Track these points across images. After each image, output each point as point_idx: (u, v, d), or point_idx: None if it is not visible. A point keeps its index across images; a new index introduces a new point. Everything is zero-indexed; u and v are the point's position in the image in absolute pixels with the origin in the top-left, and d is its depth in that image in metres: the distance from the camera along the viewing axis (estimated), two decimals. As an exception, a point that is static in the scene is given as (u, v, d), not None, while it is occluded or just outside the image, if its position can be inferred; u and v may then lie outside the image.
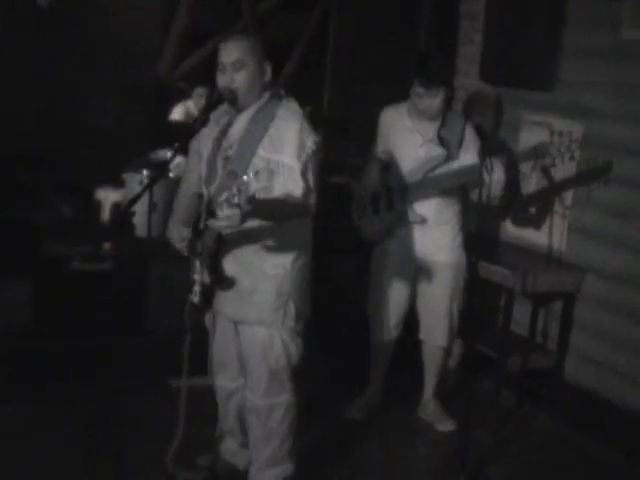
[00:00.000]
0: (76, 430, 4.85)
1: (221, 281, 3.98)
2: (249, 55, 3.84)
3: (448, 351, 5.49)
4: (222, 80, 3.87)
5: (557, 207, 5.82)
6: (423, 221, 5.14)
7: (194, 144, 4.20)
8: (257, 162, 3.85)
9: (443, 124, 5.11)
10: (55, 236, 6.10)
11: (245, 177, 3.49)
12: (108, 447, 3.85)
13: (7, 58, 6.70)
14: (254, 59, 3.86)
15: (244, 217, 3.47)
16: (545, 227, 5.83)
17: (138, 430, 4.60)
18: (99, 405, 4.94)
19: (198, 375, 4.21)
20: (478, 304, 5.54)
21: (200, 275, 3.96)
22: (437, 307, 5.27)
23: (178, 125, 7.13)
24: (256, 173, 3.83)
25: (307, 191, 3.81)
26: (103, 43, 7.07)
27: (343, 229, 5.61)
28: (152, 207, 5.75)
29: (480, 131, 5.18)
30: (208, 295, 4.02)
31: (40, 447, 4.70)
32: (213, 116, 3.96)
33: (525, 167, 5.84)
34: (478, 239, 5.05)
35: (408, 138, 5.17)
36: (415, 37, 7.00)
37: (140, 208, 5.89)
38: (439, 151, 5.10)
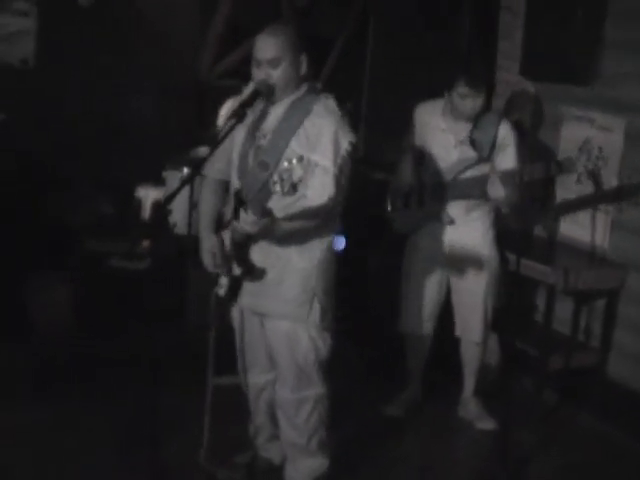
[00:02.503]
0: (114, 428, 4.89)
1: (251, 272, 3.94)
2: (285, 50, 3.79)
3: (484, 347, 5.45)
4: (258, 75, 3.85)
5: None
6: (452, 222, 5.15)
7: (223, 128, 4.10)
8: (290, 155, 3.82)
9: (476, 125, 5.08)
10: (95, 234, 6.19)
11: (286, 164, 3.50)
12: (146, 446, 3.86)
13: (48, 56, 6.78)
14: (290, 54, 3.81)
15: (260, 229, 3.57)
16: (587, 223, 5.77)
17: (178, 429, 4.62)
18: (137, 403, 4.95)
19: (230, 372, 4.24)
20: (519, 302, 5.51)
21: (228, 266, 3.98)
22: (471, 302, 5.26)
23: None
24: (288, 167, 3.81)
25: (335, 195, 3.78)
26: (143, 40, 7.12)
27: (381, 224, 5.60)
28: (192, 205, 5.74)
29: (519, 127, 5.14)
30: (235, 288, 4.02)
31: (76, 445, 4.74)
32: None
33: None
34: (519, 236, 5.00)
35: (441, 139, 5.16)
36: (456, 32, 6.94)
37: (180, 206, 5.91)
38: (472, 153, 5.08)
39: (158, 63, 7.23)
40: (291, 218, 3.72)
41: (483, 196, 5.05)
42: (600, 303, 5.77)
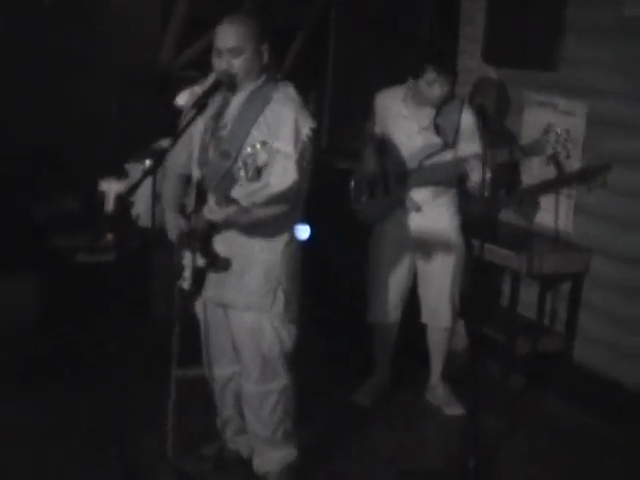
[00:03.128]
0: (81, 421, 4.89)
1: (215, 263, 3.92)
2: (247, 40, 3.79)
3: (452, 333, 5.47)
4: (219, 65, 3.85)
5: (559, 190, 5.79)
6: (418, 209, 5.17)
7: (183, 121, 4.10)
8: (251, 142, 3.82)
9: (439, 111, 5.08)
10: (59, 229, 6.16)
11: (249, 149, 3.49)
12: (113, 440, 3.84)
13: (8, 50, 6.72)
14: (252, 43, 3.81)
15: (225, 217, 3.62)
16: (551, 208, 5.79)
17: (145, 423, 4.60)
18: (102, 398, 4.93)
19: (195, 364, 4.25)
20: (484, 287, 5.53)
21: (190, 259, 3.94)
22: (438, 288, 5.28)
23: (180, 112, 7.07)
24: (249, 154, 3.82)
25: (298, 180, 3.80)
26: (104, 33, 7.08)
27: (345, 214, 5.60)
28: (155, 197, 5.71)
29: (482, 112, 5.15)
30: (199, 280, 4.00)
31: (44, 441, 4.73)
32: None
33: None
34: (483, 221, 5.03)
35: (404, 125, 5.16)
36: (417, 19, 6.96)
37: (143, 198, 5.89)
38: (436, 139, 5.09)
39: (119, 54, 7.19)
40: (255, 205, 3.72)
41: (449, 182, 5.10)
42: (565, 287, 5.81)
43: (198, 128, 3.98)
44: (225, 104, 3.94)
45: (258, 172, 3.84)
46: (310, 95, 4.06)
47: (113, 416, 3.83)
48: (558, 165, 5.71)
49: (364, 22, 7.36)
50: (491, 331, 5.66)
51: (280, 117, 3.82)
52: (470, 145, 5.03)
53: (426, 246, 5.21)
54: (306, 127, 3.83)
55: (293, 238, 4.04)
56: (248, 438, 4.40)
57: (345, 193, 5.45)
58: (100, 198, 6.61)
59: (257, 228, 3.88)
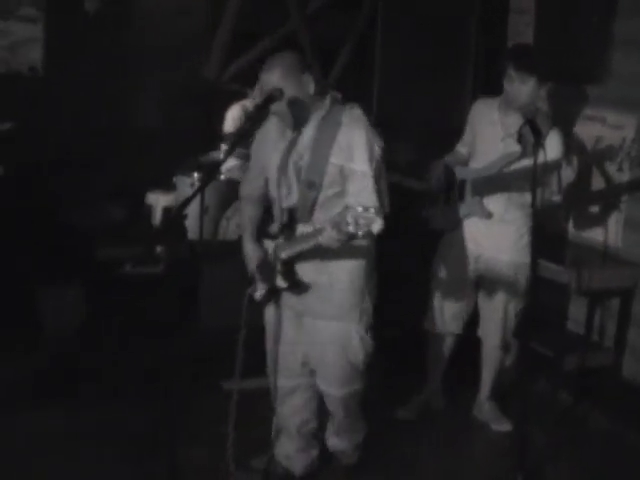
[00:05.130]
0: (130, 432, 4.92)
1: (297, 286, 4.13)
2: (283, 80, 3.92)
3: (505, 352, 5.46)
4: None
5: (615, 201, 5.78)
6: (488, 216, 5.15)
7: (255, 148, 4.38)
8: (331, 170, 3.99)
9: (526, 122, 4.85)
10: (107, 241, 6.24)
11: (360, 209, 3.55)
12: (162, 449, 3.90)
13: (57, 63, 6.82)
14: (291, 81, 3.94)
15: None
16: (600, 222, 5.80)
17: (192, 433, 4.65)
18: (152, 408, 4.99)
19: (251, 376, 4.30)
20: (533, 302, 5.52)
21: (270, 274, 4.15)
22: (492, 305, 5.28)
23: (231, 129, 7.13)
24: (331, 181, 3.99)
25: (381, 197, 3.97)
26: (152, 45, 7.16)
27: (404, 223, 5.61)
28: (203, 210, 5.81)
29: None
30: (273, 294, 4.21)
31: (91, 451, 4.76)
32: (274, 126, 4.16)
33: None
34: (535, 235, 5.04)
35: (491, 131, 5.16)
36: (464, 34, 6.99)
37: (192, 211, 5.98)
38: (515, 147, 5.01)
39: (166, 66, 7.27)
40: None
41: (523, 190, 4.99)
42: (614, 302, 5.79)
43: (272, 157, 4.17)
44: (295, 136, 4.09)
45: (340, 196, 4.03)
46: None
47: (162, 427, 3.88)
48: (607, 177, 5.72)
49: (411, 34, 7.35)
50: (540, 347, 5.65)
51: (353, 139, 3.96)
52: (555, 156, 4.92)
53: (488, 261, 5.21)
54: (377, 146, 3.99)
55: (372, 248, 4.20)
56: (304, 455, 4.57)
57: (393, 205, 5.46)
58: (147, 211, 6.69)
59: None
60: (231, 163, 6.64)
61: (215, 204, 6.66)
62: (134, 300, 5.97)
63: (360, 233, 3.53)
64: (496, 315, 5.29)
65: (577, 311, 5.92)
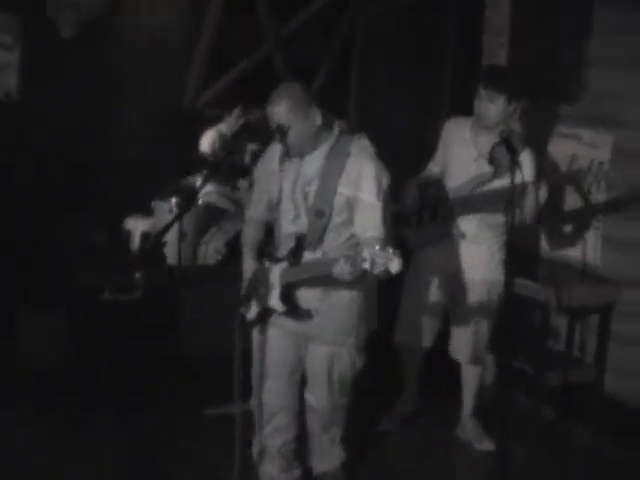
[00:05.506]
0: (111, 462, 4.86)
1: (294, 311, 4.18)
2: (291, 115, 4.03)
3: (482, 369, 5.49)
4: (277, 137, 4.13)
5: (589, 220, 5.83)
6: (462, 236, 5.19)
7: (258, 174, 4.47)
8: (339, 200, 4.09)
9: (499, 142, 4.86)
10: (86, 267, 6.28)
11: (377, 247, 3.59)
12: (147, 475, 3.90)
13: (34, 92, 6.82)
14: (298, 116, 4.05)
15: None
16: (579, 240, 5.84)
17: (174, 459, 4.66)
18: (134, 435, 5.01)
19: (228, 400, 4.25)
20: (513, 320, 5.54)
21: (265, 296, 4.20)
22: (463, 323, 5.30)
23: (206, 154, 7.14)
24: (339, 210, 4.09)
25: (387, 227, 4.06)
26: (128, 70, 7.17)
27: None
28: (182, 236, 5.81)
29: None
30: (265, 314, 4.25)
31: (78, 474, 4.74)
32: (275, 148, 4.26)
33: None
34: (511, 254, 5.06)
35: (464, 151, 5.19)
36: (440, 55, 7.03)
37: (170, 237, 5.97)
38: (487, 168, 5.07)
39: (144, 93, 7.27)
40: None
41: (495, 211, 5.08)
42: (594, 319, 5.83)
43: (275, 182, 4.28)
44: (301, 161, 4.19)
45: (347, 224, 4.13)
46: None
47: (147, 451, 3.88)
48: (584, 196, 5.76)
49: (387, 54, 7.39)
50: (521, 363, 5.70)
51: (361, 170, 4.09)
52: (527, 176, 4.86)
53: (460, 280, 5.24)
54: (385, 177, 4.11)
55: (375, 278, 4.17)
56: (287, 476, 4.57)
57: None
58: (126, 236, 6.69)
59: None
60: (208, 188, 6.65)
61: (193, 229, 6.62)
62: (113, 326, 5.97)
63: (376, 271, 3.57)
64: (467, 331, 5.29)
65: (557, 328, 5.93)
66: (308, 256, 4.15)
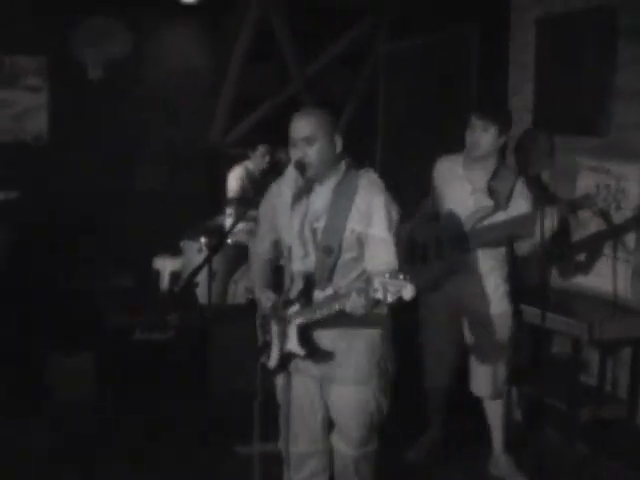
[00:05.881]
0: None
1: (314, 354, 4.07)
2: (319, 130, 3.96)
3: (505, 403, 5.44)
4: (295, 154, 4.02)
5: (620, 252, 5.79)
6: (466, 270, 5.19)
7: (264, 210, 4.36)
8: (348, 235, 4.00)
9: (494, 175, 5.12)
10: (115, 307, 6.28)
11: (387, 275, 3.52)
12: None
13: (61, 132, 6.89)
14: (325, 134, 3.98)
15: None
16: (608, 273, 5.80)
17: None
18: (166, 474, 5.02)
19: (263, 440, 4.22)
20: (543, 354, 5.54)
21: (279, 340, 4.10)
22: (479, 358, 5.29)
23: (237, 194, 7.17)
24: (349, 246, 4.00)
25: (400, 260, 3.95)
26: (154, 110, 7.24)
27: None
28: (212, 275, 5.82)
29: (539, 182, 5.18)
30: (286, 361, 4.14)
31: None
32: (284, 184, 4.19)
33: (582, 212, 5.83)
34: (538, 288, 5.05)
35: (459, 187, 5.22)
36: (466, 91, 7.05)
37: (200, 276, 5.99)
38: (488, 202, 5.12)
39: (169, 132, 7.34)
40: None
41: (498, 245, 5.13)
42: (626, 353, 5.79)
43: (283, 216, 4.19)
44: (309, 195, 4.12)
45: (357, 261, 4.06)
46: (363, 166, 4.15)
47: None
48: (607, 218, 5.75)
49: (413, 91, 7.42)
50: (552, 399, 5.67)
51: (371, 203, 3.98)
52: (522, 205, 5.06)
53: (471, 315, 5.27)
54: (394, 210, 4.01)
55: (389, 315, 4.16)
56: None
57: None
58: (155, 276, 6.72)
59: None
60: (239, 227, 6.64)
61: (223, 268, 6.70)
62: (144, 366, 5.99)
63: (390, 299, 3.48)
64: (484, 365, 5.28)
65: (589, 362, 5.91)
66: (318, 295, 4.06)
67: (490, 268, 5.21)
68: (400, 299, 3.47)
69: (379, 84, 7.78)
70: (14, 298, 6.18)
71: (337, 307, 3.78)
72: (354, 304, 3.65)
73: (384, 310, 4.01)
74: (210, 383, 5.95)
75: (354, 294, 3.62)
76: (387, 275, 3.48)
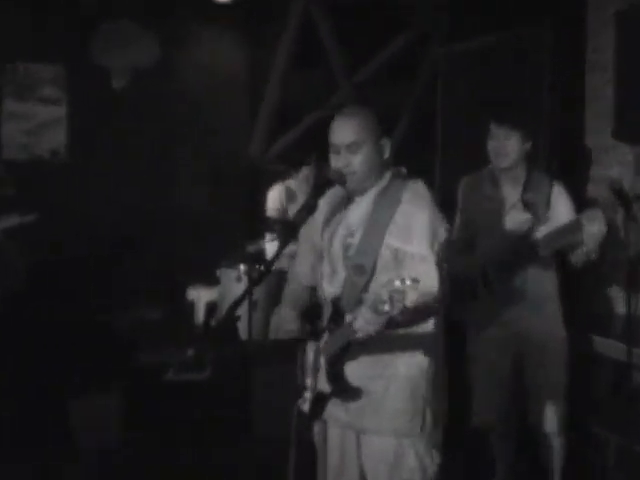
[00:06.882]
0: None
1: (344, 392, 3.71)
2: (365, 134, 3.67)
3: (566, 437, 5.12)
4: (336, 163, 3.72)
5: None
6: (515, 298, 4.91)
7: (304, 232, 3.96)
8: (384, 253, 3.65)
9: (527, 186, 4.89)
10: (145, 343, 6.21)
11: (397, 283, 3.16)
12: None
13: (81, 146, 6.66)
14: (371, 138, 3.67)
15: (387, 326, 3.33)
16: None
17: None
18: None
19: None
20: (591, 381, 5.36)
21: (313, 380, 3.70)
22: (542, 389, 5.00)
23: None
24: (384, 265, 3.63)
25: (441, 284, 3.57)
26: (193, 125, 7.07)
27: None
28: (252, 306, 5.62)
29: (621, 193, 4.79)
30: (321, 404, 3.76)
31: None
32: (324, 197, 3.79)
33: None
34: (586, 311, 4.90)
35: (490, 207, 5.01)
36: (535, 96, 6.68)
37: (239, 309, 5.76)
38: (525, 216, 4.88)
39: (205, 149, 7.11)
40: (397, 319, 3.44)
41: (544, 260, 4.86)
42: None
43: (319, 234, 3.94)
44: (347, 207, 3.85)
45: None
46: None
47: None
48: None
49: (474, 100, 7.16)
50: (603, 430, 5.38)
51: (413, 219, 3.66)
52: (562, 213, 4.82)
53: (527, 345, 5.00)
54: (442, 227, 3.68)
55: (437, 351, 3.79)
56: None
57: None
58: (189, 308, 6.48)
59: (395, 342, 3.67)
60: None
61: (264, 297, 6.53)
62: (178, 410, 5.78)
63: (395, 312, 3.18)
64: (553, 398, 4.98)
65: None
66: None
67: (546, 294, 4.98)
68: (404, 307, 3.19)
69: (437, 93, 7.44)
70: (30, 333, 6.03)
71: (348, 333, 3.49)
72: (362, 322, 3.35)
73: (429, 326, 3.70)
74: (252, 428, 5.67)
75: (362, 310, 3.34)
76: (397, 282, 3.16)
